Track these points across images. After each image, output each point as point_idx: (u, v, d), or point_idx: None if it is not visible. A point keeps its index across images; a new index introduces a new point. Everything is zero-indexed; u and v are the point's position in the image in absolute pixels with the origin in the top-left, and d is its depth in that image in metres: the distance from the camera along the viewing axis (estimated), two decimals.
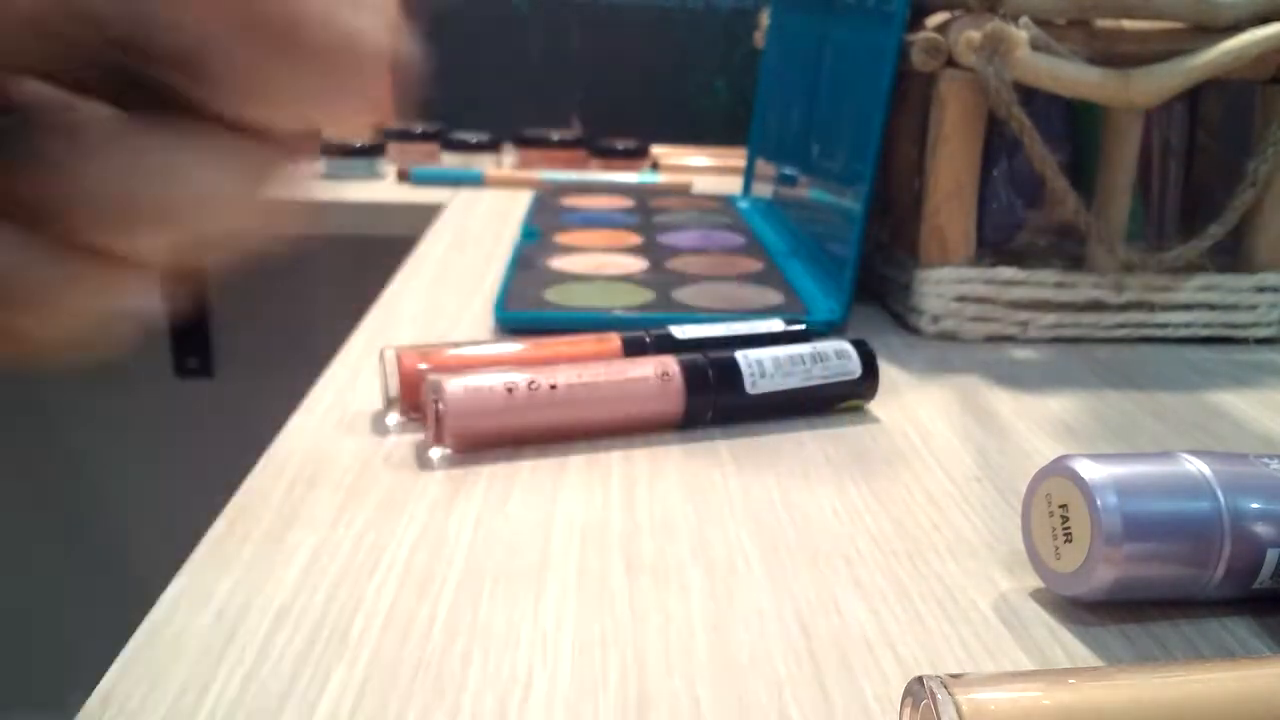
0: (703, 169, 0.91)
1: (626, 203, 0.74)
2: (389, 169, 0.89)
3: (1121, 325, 0.49)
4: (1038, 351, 0.48)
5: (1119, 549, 0.25)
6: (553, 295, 0.50)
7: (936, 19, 0.49)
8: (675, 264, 0.57)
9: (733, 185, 0.79)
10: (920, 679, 0.21)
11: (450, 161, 0.90)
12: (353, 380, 0.41)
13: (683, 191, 0.81)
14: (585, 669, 0.24)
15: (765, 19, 0.76)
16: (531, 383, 0.35)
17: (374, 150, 0.88)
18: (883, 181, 0.53)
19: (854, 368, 0.39)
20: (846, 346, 0.39)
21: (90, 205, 0.16)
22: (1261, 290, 0.49)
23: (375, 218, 0.80)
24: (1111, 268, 0.48)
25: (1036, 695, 0.20)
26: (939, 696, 0.20)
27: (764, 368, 0.37)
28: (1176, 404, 0.42)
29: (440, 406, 0.34)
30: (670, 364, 0.37)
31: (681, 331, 0.41)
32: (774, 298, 0.51)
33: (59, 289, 0.17)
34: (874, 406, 0.40)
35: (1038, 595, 0.28)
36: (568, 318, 0.47)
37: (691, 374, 0.37)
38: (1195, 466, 0.26)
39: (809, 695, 0.23)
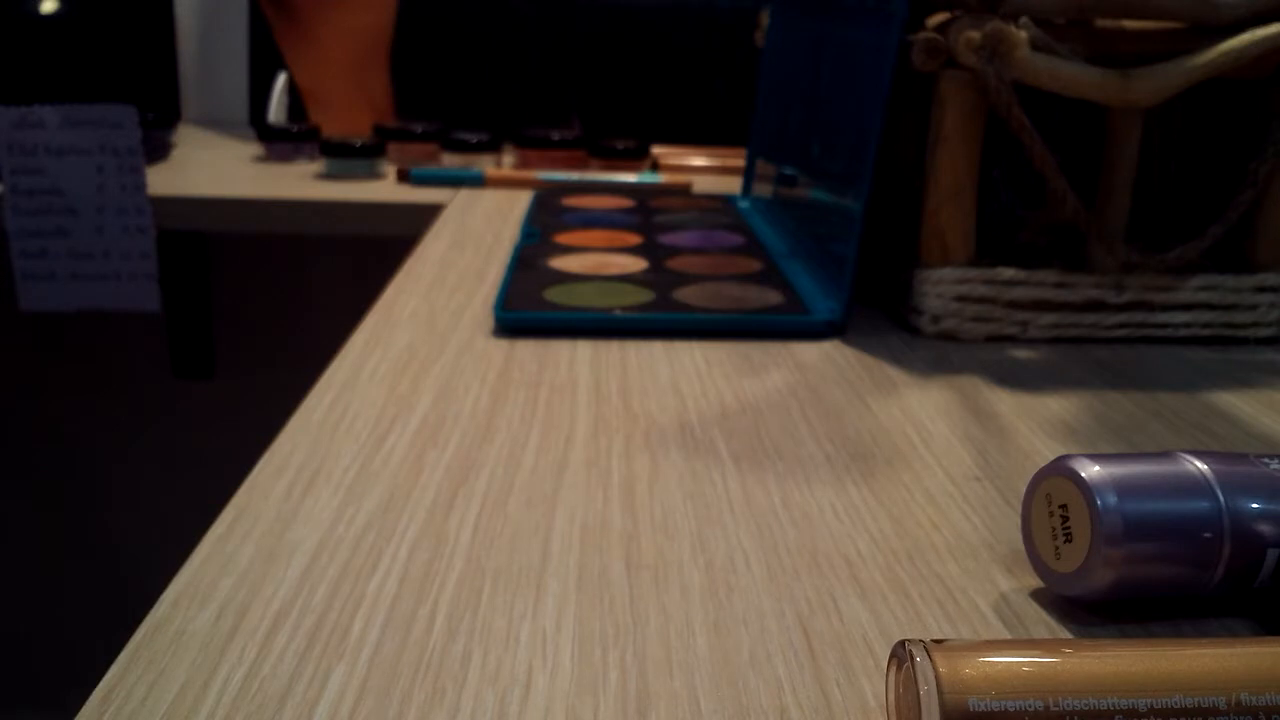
0: (703, 169, 0.91)
1: (626, 203, 0.74)
2: (389, 169, 0.89)
3: (1121, 325, 0.49)
4: (1038, 351, 0.48)
5: (1119, 549, 0.25)
6: (553, 295, 0.50)
7: (936, 19, 0.49)
8: (675, 264, 0.57)
9: (733, 185, 0.79)
10: (903, 642, 0.21)
11: (450, 161, 0.90)
12: (353, 379, 0.41)
13: (683, 191, 0.81)
14: (585, 669, 0.24)
15: (765, 19, 0.76)
16: None
17: (374, 150, 0.88)
18: (883, 181, 0.53)
19: None
20: None
21: None
22: (1261, 290, 0.49)
23: (375, 218, 0.80)
24: (1111, 268, 0.48)
25: (1015, 661, 0.20)
26: (918, 660, 0.20)
27: None
28: (1176, 404, 0.42)
29: None
30: None
31: None
32: (774, 297, 0.51)
33: None
34: (874, 406, 0.40)
35: (1038, 595, 0.28)
36: (568, 318, 0.47)
37: None
38: (1195, 466, 0.26)
39: (809, 695, 0.23)
